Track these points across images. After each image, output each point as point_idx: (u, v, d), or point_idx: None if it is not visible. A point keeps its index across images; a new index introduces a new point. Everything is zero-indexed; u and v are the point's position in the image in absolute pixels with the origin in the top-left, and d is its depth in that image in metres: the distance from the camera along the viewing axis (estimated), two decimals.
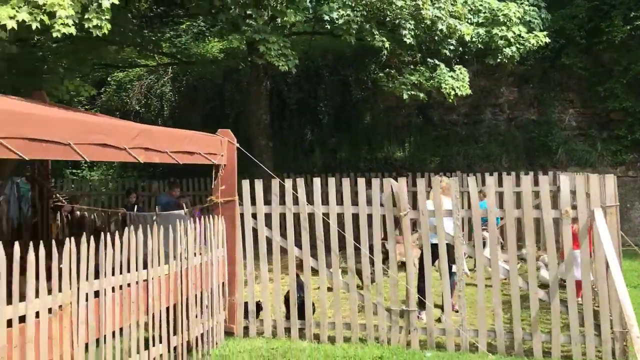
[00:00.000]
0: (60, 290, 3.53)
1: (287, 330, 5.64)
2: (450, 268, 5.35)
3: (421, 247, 6.02)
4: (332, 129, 14.19)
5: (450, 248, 5.31)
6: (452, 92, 8.92)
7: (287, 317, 5.73)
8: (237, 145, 5.91)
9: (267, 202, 5.82)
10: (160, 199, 7.57)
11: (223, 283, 5.64)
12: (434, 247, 5.35)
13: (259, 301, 5.78)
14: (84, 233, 3.87)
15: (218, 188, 5.74)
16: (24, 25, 5.07)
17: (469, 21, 9.16)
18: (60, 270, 3.53)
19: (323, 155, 13.83)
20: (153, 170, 14.55)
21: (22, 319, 3.25)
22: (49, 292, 3.46)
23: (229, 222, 5.72)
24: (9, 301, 3.16)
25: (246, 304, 5.76)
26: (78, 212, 6.49)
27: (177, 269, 4.81)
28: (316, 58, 13.91)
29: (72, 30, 5.29)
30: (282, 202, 5.76)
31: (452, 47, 9.16)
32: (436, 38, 8.85)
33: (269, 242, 5.75)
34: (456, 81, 8.96)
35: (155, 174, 14.44)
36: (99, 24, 5.49)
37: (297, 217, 5.65)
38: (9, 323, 3.17)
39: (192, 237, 5.01)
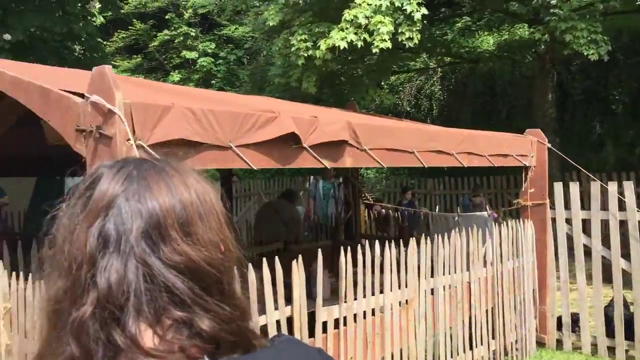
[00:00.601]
0: (406, 286, 3.88)
1: (611, 349, 5.08)
2: None
3: None
4: (629, 120, 12.25)
5: None
6: None
7: (607, 334, 5.16)
8: (548, 145, 5.58)
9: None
10: (464, 200, 7.72)
11: (533, 290, 5.41)
12: None
13: (575, 313, 5.35)
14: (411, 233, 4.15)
15: (527, 191, 5.51)
16: (351, 44, 5.74)
17: None
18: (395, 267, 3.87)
19: (616, 150, 12.08)
20: (422, 169, 14.97)
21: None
22: (399, 286, 3.83)
23: (539, 226, 5.46)
24: (373, 292, 3.61)
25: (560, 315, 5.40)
26: (383, 210, 7.10)
27: (493, 272, 4.80)
28: (608, 40, 12.20)
29: (389, 44, 5.75)
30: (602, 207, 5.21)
31: None
32: None
33: (586, 250, 5.28)
34: None
35: (424, 171, 14.84)
36: (411, 36, 5.84)
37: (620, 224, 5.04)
38: (372, 312, 3.63)
39: (505, 241, 4.94)
